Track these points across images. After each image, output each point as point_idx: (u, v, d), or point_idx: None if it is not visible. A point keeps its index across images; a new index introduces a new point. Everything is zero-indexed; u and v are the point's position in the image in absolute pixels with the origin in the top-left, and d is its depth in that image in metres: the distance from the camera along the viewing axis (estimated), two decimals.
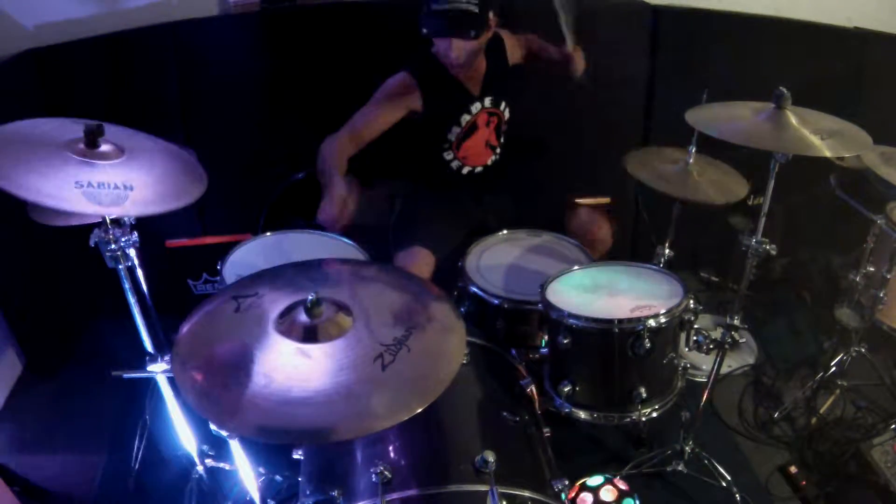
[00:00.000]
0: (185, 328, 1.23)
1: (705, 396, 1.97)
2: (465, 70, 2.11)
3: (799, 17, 2.68)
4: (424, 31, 1.97)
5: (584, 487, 1.74)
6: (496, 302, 1.86)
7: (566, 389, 1.69)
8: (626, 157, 2.03)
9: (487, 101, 2.19)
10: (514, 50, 2.26)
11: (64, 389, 2.50)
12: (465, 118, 2.17)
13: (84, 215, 1.37)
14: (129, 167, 1.38)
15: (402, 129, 2.10)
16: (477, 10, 1.92)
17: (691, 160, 1.96)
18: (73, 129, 1.38)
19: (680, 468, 2.04)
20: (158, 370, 1.59)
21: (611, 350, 1.63)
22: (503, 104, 2.24)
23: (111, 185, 1.32)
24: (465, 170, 2.28)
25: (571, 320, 1.63)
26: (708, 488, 2.01)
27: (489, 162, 2.31)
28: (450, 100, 2.14)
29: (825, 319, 2.60)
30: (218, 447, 1.88)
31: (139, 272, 1.64)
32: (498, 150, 2.32)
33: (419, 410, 1.06)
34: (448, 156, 2.23)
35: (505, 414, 1.55)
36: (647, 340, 1.59)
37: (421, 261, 2.03)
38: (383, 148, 2.08)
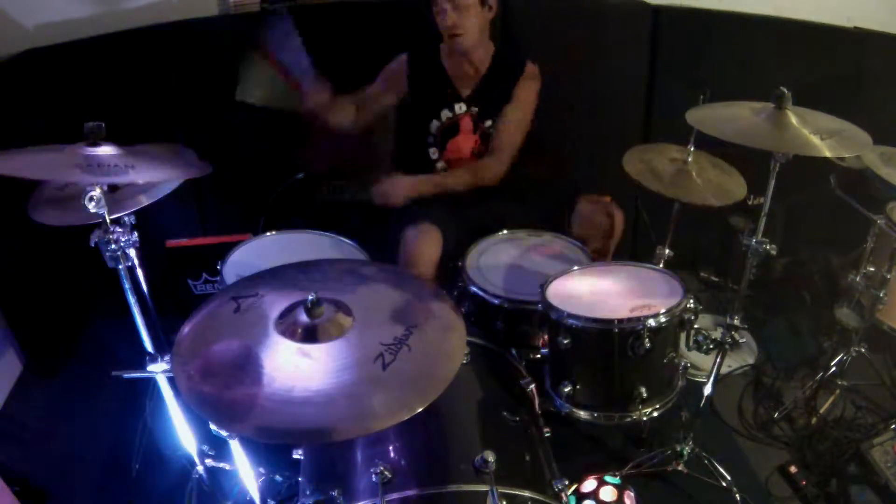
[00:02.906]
0: (185, 328, 1.23)
1: (705, 396, 1.96)
2: (465, 56, 2.11)
3: (799, 17, 2.67)
4: None
5: (602, 482, 1.75)
6: (496, 302, 1.86)
7: (566, 389, 1.69)
8: (625, 155, 2.03)
9: (474, 110, 2.18)
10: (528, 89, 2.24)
11: (64, 389, 2.50)
12: (446, 114, 2.17)
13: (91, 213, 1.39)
14: (129, 157, 1.40)
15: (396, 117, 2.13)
16: None
17: (690, 159, 1.96)
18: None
19: (680, 468, 2.04)
20: (158, 370, 1.59)
21: (611, 350, 1.63)
22: (490, 123, 2.22)
23: (112, 165, 1.34)
24: None
25: (571, 320, 1.63)
26: (708, 488, 2.01)
27: None
28: (433, 90, 2.14)
29: (825, 319, 2.60)
30: (218, 447, 1.87)
31: (139, 272, 1.64)
32: None
33: (419, 410, 1.06)
34: (433, 154, 2.23)
35: (505, 414, 1.55)
36: (647, 340, 1.59)
37: (431, 237, 2.01)
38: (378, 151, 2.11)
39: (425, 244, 1.99)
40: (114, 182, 1.37)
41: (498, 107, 2.21)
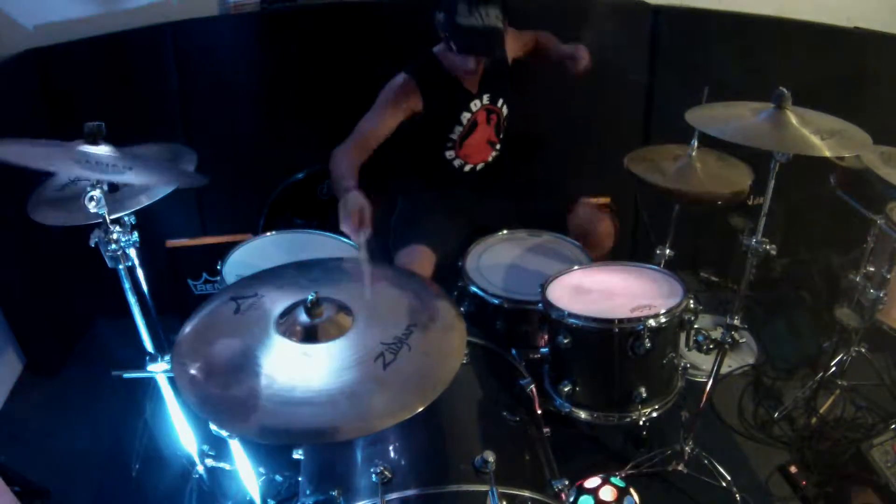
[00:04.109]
0: (185, 328, 1.23)
1: (705, 396, 1.97)
2: (469, 72, 2.11)
3: (799, 17, 2.68)
4: (454, 47, 1.99)
5: (606, 482, 1.75)
6: (496, 302, 1.86)
7: (566, 389, 1.69)
8: (627, 157, 2.02)
9: (486, 98, 2.19)
10: (514, 45, 2.26)
11: (64, 389, 2.50)
12: (466, 116, 2.17)
13: (91, 213, 1.39)
14: (127, 159, 1.40)
15: (404, 130, 2.10)
16: (502, 26, 1.95)
17: (693, 153, 1.95)
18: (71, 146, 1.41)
19: (680, 468, 2.04)
20: (158, 370, 1.59)
21: (611, 350, 1.63)
22: (500, 101, 2.24)
23: (110, 164, 1.34)
24: (467, 167, 2.28)
25: (571, 320, 1.63)
26: (708, 488, 2.01)
27: (490, 159, 2.31)
28: (450, 99, 2.15)
29: (825, 319, 2.60)
30: (218, 447, 1.88)
31: (139, 272, 1.65)
32: (498, 147, 2.32)
33: (420, 409, 1.06)
34: (450, 154, 2.24)
35: (505, 414, 1.55)
36: (647, 340, 1.59)
37: (422, 258, 2.03)
38: (385, 149, 2.09)
39: (417, 266, 2.00)
40: (110, 180, 1.36)
41: (504, 85, 2.23)
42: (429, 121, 2.12)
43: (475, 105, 2.18)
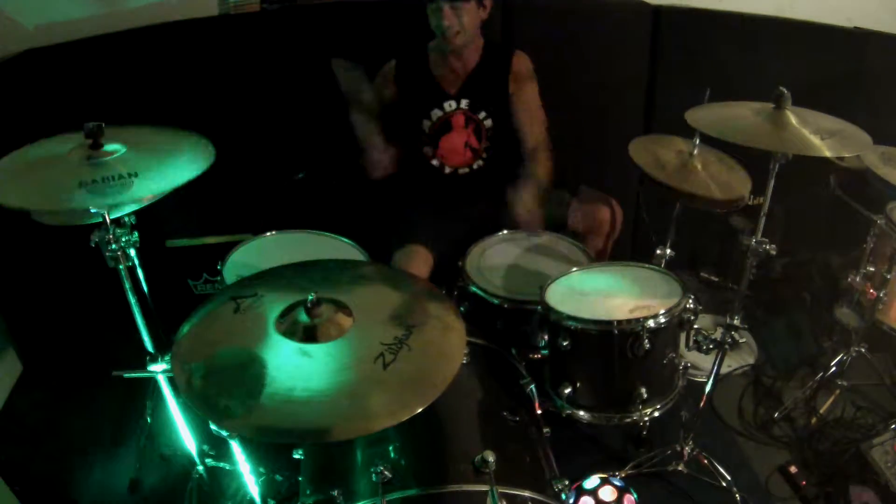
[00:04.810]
0: (185, 328, 1.24)
1: (705, 396, 1.97)
2: (456, 53, 2.12)
3: (799, 17, 2.68)
4: None
5: (581, 491, 1.75)
6: (496, 302, 1.86)
7: (566, 390, 1.69)
8: (631, 143, 1.99)
9: (464, 104, 2.19)
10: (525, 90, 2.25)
11: (64, 389, 2.50)
12: (437, 113, 2.18)
13: (91, 213, 1.39)
14: (133, 156, 1.41)
15: (385, 119, 2.14)
16: None
17: (696, 152, 1.94)
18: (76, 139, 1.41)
19: (680, 468, 2.04)
20: (158, 370, 1.59)
21: (610, 351, 1.63)
22: (483, 113, 2.23)
23: (115, 177, 1.34)
24: (448, 170, 2.28)
25: (571, 322, 1.63)
26: (708, 488, 2.01)
27: (474, 165, 2.31)
28: (421, 92, 2.17)
29: (825, 319, 2.60)
30: (218, 447, 1.88)
31: (139, 272, 1.64)
32: (483, 155, 2.30)
33: (420, 409, 1.06)
34: (428, 152, 2.24)
35: (505, 414, 1.55)
36: (646, 341, 1.59)
37: (419, 259, 2.03)
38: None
39: (414, 267, 2.02)
40: (119, 202, 1.36)
41: (491, 99, 2.22)
42: (400, 108, 2.15)
43: (449, 105, 2.18)
